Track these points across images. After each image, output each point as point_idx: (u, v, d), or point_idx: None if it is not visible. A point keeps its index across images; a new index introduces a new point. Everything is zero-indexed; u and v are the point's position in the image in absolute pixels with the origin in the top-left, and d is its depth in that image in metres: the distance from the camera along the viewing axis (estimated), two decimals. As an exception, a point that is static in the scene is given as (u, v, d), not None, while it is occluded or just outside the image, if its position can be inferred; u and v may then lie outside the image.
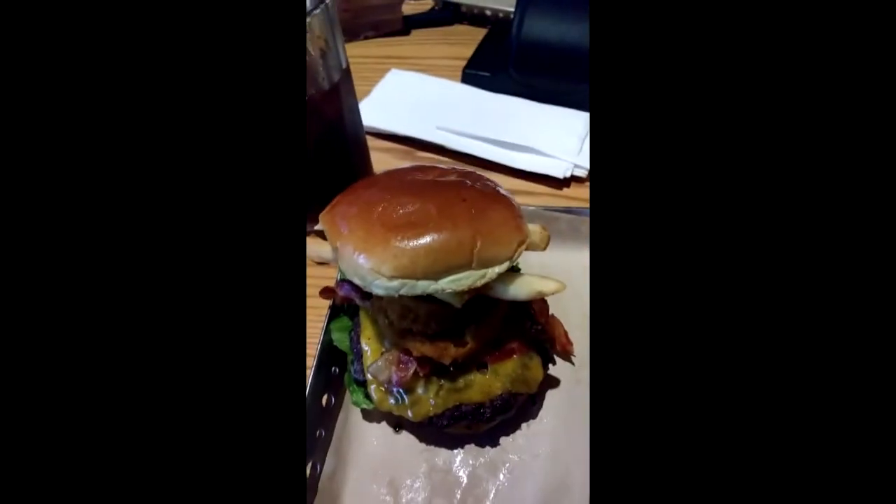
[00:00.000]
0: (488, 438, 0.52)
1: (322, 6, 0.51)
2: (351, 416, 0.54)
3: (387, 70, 0.92)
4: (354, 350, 0.52)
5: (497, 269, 0.42)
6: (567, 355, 0.56)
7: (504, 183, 0.49)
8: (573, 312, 0.58)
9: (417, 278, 0.40)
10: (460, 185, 0.45)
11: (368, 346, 0.51)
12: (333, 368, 0.55)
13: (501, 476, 0.50)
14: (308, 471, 0.48)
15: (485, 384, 0.48)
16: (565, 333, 0.55)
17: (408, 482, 0.50)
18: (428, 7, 1.08)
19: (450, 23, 1.06)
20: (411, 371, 0.46)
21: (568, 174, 0.74)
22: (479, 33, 0.99)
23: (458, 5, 1.04)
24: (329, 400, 0.53)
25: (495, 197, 0.45)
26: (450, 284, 0.41)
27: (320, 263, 0.56)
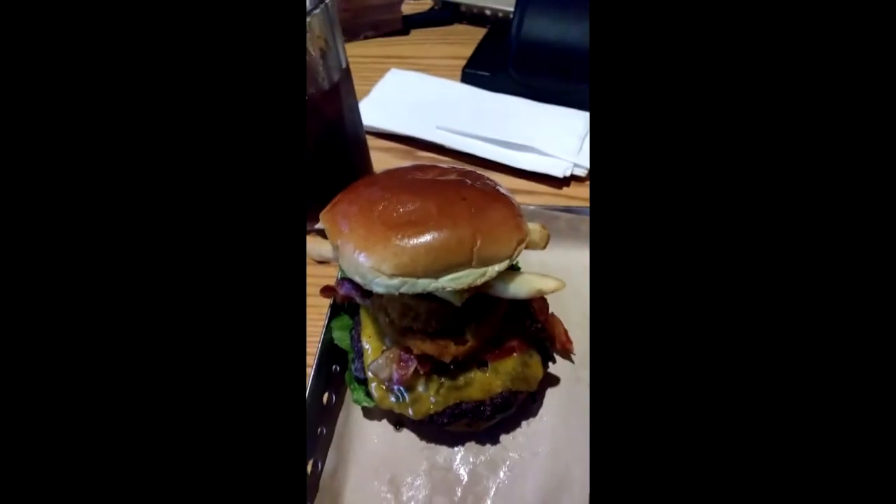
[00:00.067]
0: (489, 436, 0.52)
1: (322, 6, 0.51)
2: (352, 414, 0.54)
3: (386, 70, 0.92)
4: (355, 348, 0.52)
5: (497, 268, 0.42)
6: (567, 354, 0.57)
7: (504, 182, 0.49)
8: (573, 311, 0.58)
9: (418, 276, 0.40)
10: (460, 184, 0.45)
11: (369, 344, 0.51)
12: (334, 367, 0.55)
13: (502, 474, 0.50)
14: (309, 469, 0.49)
15: (485, 382, 0.48)
16: (565, 332, 0.56)
17: (408, 480, 0.50)
18: (427, 7, 1.08)
19: (449, 22, 1.06)
20: (412, 369, 0.46)
21: (567, 173, 0.74)
22: (479, 33, 0.99)
23: (457, 5, 1.04)
24: (330, 398, 0.53)
25: (495, 196, 0.45)
26: (450, 283, 0.41)
27: (321, 262, 0.56)
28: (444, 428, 0.50)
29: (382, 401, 0.49)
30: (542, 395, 0.54)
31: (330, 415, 0.53)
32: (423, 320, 0.46)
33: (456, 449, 0.51)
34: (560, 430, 0.52)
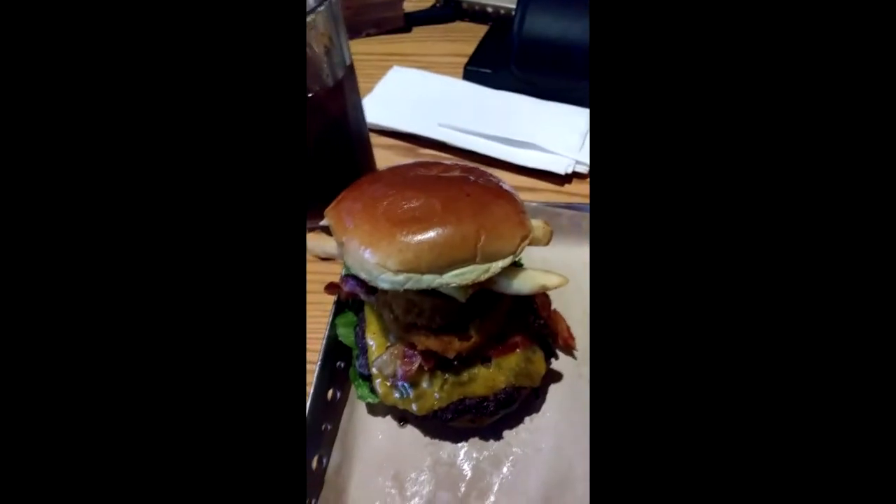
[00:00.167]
0: (492, 432, 0.52)
1: (326, 3, 0.51)
2: (356, 410, 0.54)
3: (389, 67, 0.92)
4: (359, 345, 0.52)
5: (501, 264, 0.42)
6: (569, 350, 0.57)
7: (506, 179, 0.49)
8: (575, 308, 0.58)
9: (422, 272, 0.41)
10: (464, 181, 0.45)
11: (373, 340, 0.51)
12: (338, 363, 0.56)
13: (505, 469, 0.50)
14: (314, 464, 0.49)
15: (489, 378, 0.48)
16: (567, 328, 0.56)
17: (412, 475, 0.50)
18: (429, 4, 1.08)
19: (451, 20, 1.06)
20: (416, 365, 0.47)
21: (569, 170, 0.74)
22: (481, 30, 0.99)
23: (458, 2, 1.04)
24: (334, 394, 0.54)
25: (499, 192, 0.45)
26: (454, 278, 0.41)
27: (325, 259, 0.56)
28: (447, 424, 0.50)
29: (387, 397, 0.50)
30: (545, 391, 0.55)
31: (334, 411, 0.53)
32: (427, 316, 0.46)
33: (459, 445, 0.52)
34: (563, 426, 0.52)
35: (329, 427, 0.52)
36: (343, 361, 0.56)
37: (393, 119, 0.82)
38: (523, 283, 0.44)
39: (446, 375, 0.48)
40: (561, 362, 0.57)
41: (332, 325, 0.55)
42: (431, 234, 0.40)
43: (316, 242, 0.52)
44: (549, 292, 0.53)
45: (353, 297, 0.54)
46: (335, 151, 0.62)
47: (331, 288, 0.56)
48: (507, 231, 0.43)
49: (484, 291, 0.45)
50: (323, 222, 0.49)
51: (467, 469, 0.50)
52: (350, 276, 0.52)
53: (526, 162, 0.75)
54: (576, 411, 0.53)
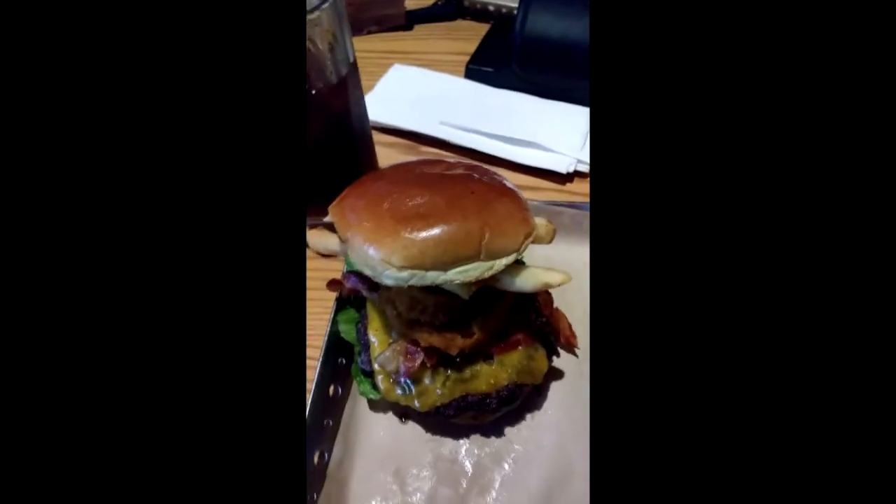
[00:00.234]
0: (493, 429, 0.52)
1: (330, 0, 0.51)
2: (357, 407, 0.54)
3: (390, 65, 0.92)
4: (361, 341, 0.53)
5: (504, 261, 0.43)
6: (571, 348, 0.57)
7: (508, 178, 0.49)
8: (576, 306, 0.58)
9: (427, 269, 0.41)
10: (468, 178, 0.46)
11: (375, 337, 0.51)
12: (340, 359, 0.56)
13: (506, 466, 0.51)
14: (316, 459, 0.49)
15: (491, 375, 0.49)
16: (569, 326, 0.56)
17: (414, 471, 0.50)
18: (430, 2, 1.08)
19: (452, 18, 1.06)
20: (419, 361, 0.47)
21: (571, 169, 0.75)
22: (482, 29, 0.99)
23: (460, 0, 1.04)
24: (336, 390, 0.54)
25: (502, 190, 0.46)
26: (458, 275, 0.41)
27: (327, 256, 0.56)
28: (449, 420, 0.50)
29: (389, 393, 0.50)
30: (547, 389, 0.55)
31: (336, 407, 0.54)
32: (430, 313, 0.46)
33: (461, 441, 0.52)
34: (564, 424, 0.53)
35: (330, 423, 0.52)
36: (344, 358, 0.56)
37: (394, 117, 0.82)
38: (526, 281, 0.44)
39: (449, 372, 0.48)
40: (562, 360, 0.57)
41: (334, 322, 0.55)
42: (436, 230, 0.41)
43: (318, 239, 0.52)
44: (551, 290, 0.54)
45: (354, 294, 0.54)
46: (338, 148, 0.62)
47: (332, 284, 0.56)
48: (511, 229, 0.43)
49: (487, 289, 0.45)
50: (326, 219, 0.49)
51: (469, 465, 0.51)
52: (352, 273, 0.52)
53: (528, 161, 0.75)
54: (577, 409, 0.53)
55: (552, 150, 0.76)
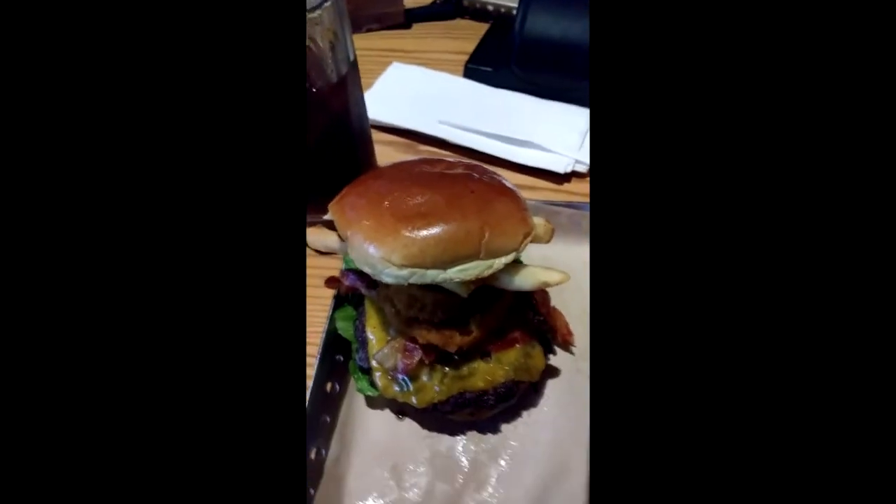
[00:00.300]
0: (490, 426, 0.53)
1: (332, -1, 0.51)
2: (355, 403, 0.55)
3: (389, 63, 0.92)
4: (359, 338, 0.53)
5: (504, 260, 0.43)
6: (567, 346, 0.58)
7: (506, 177, 0.50)
8: (573, 305, 0.59)
9: (427, 267, 0.41)
10: (468, 178, 0.46)
11: (373, 334, 0.52)
12: (338, 356, 0.56)
13: (503, 462, 0.51)
14: (313, 455, 0.50)
15: (488, 372, 0.49)
16: (566, 324, 0.57)
17: (410, 467, 0.51)
18: (429, 1, 1.08)
19: (451, 17, 1.06)
20: (417, 358, 0.47)
21: (569, 169, 0.75)
22: (481, 28, 1.00)
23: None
24: (333, 387, 0.54)
25: (502, 190, 0.46)
26: (458, 274, 0.42)
27: (325, 253, 0.56)
28: (446, 417, 0.50)
29: (386, 389, 0.50)
30: (544, 386, 0.56)
31: (333, 403, 0.54)
32: (429, 311, 0.47)
33: (458, 437, 0.52)
34: (560, 421, 0.53)
35: (328, 419, 0.53)
36: (342, 355, 0.56)
37: (393, 115, 0.82)
38: (524, 280, 0.45)
39: (446, 369, 0.49)
40: (559, 358, 0.57)
41: (332, 319, 0.56)
42: (436, 229, 0.41)
43: (317, 237, 0.53)
44: (549, 289, 0.54)
45: (353, 292, 0.55)
46: (337, 147, 0.63)
47: (331, 282, 0.57)
48: (511, 228, 0.43)
49: (485, 287, 0.46)
50: (326, 217, 0.49)
51: (465, 461, 0.51)
52: (350, 271, 0.53)
53: (526, 160, 0.76)
54: (573, 406, 0.54)
55: (550, 150, 0.76)
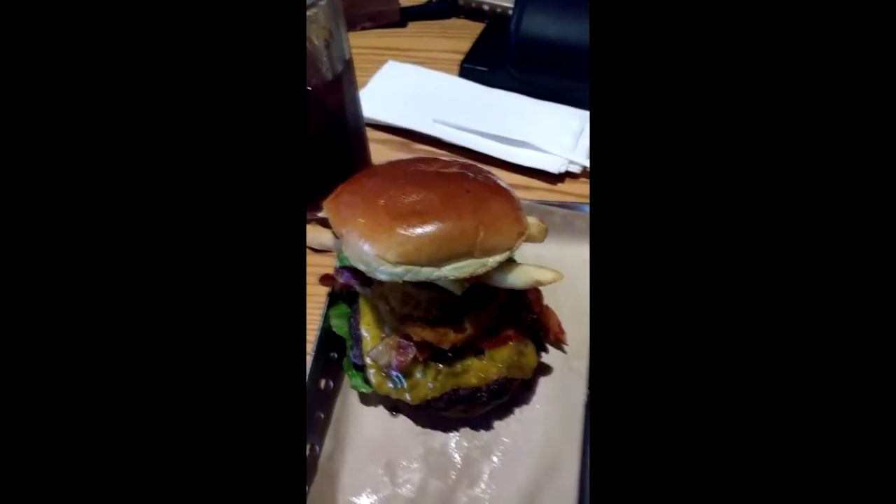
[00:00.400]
0: (483, 423, 0.53)
1: (328, -4, 0.51)
2: (349, 400, 0.55)
3: (384, 62, 0.92)
4: (353, 335, 0.53)
5: (498, 258, 0.43)
6: (559, 344, 0.58)
7: (500, 177, 0.50)
8: (566, 304, 0.59)
9: (421, 265, 0.42)
10: (463, 177, 0.46)
11: (368, 331, 0.52)
12: (332, 354, 0.56)
13: (495, 458, 0.52)
14: (307, 451, 0.50)
15: (481, 369, 0.49)
16: (558, 323, 0.57)
17: (404, 463, 0.51)
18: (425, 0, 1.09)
19: (447, 16, 1.06)
20: (411, 356, 0.48)
21: (563, 170, 0.76)
22: (477, 27, 1.00)
23: (455, -1, 1.05)
24: (328, 384, 0.54)
25: (496, 189, 0.46)
26: (452, 272, 0.42)
27: (320, 251, 0.57)
28: (440, 413, 0.51)
29: (380, 386, 0.50)
30: (536, 384, 0.56)
31: (327, 400, 0.54)
32: (423, 308, 0.47)
33: (451, 434, 0.53)
34: (552, 418, 0.54)
35: (322, 416, 0.53)
36: (336, 352, 0.57)
37: (388, 114, 0.82)
38: (518, 278, 0.45)
39: (440, 366, 0.49)
40: (551, 356, 0.58)
41: (326, 317, 0.56)
42: (432, 227, 0.41)
43: (311, 234, 0.53)
44: (542, 288, 0.55)
45: (347, 289, 0.55)
46: (333, 145, 0.63)
47: (325, 280, 0.57)
48: (505, 227, 0.44)
49: (479, 285, 0.46)
50: (320, 214, 0.49)
51: (458, 458, 0.52)
52: (345, 268, 0.53)
53: (520, 160, 0.76)
54: (565, 404, 0.54)
55: (544, 151, 0.77)
